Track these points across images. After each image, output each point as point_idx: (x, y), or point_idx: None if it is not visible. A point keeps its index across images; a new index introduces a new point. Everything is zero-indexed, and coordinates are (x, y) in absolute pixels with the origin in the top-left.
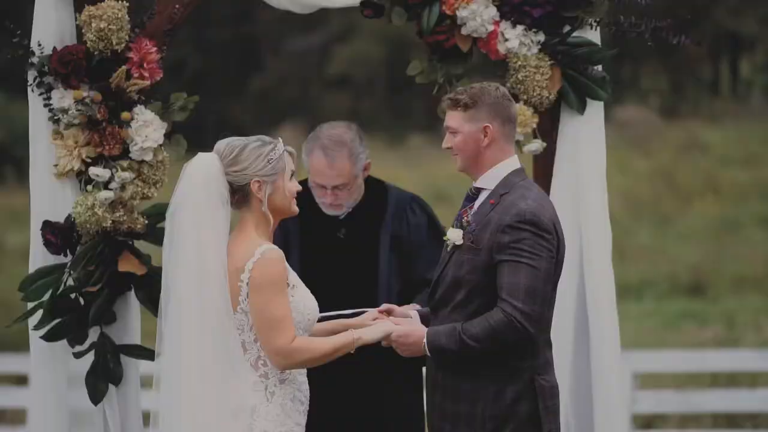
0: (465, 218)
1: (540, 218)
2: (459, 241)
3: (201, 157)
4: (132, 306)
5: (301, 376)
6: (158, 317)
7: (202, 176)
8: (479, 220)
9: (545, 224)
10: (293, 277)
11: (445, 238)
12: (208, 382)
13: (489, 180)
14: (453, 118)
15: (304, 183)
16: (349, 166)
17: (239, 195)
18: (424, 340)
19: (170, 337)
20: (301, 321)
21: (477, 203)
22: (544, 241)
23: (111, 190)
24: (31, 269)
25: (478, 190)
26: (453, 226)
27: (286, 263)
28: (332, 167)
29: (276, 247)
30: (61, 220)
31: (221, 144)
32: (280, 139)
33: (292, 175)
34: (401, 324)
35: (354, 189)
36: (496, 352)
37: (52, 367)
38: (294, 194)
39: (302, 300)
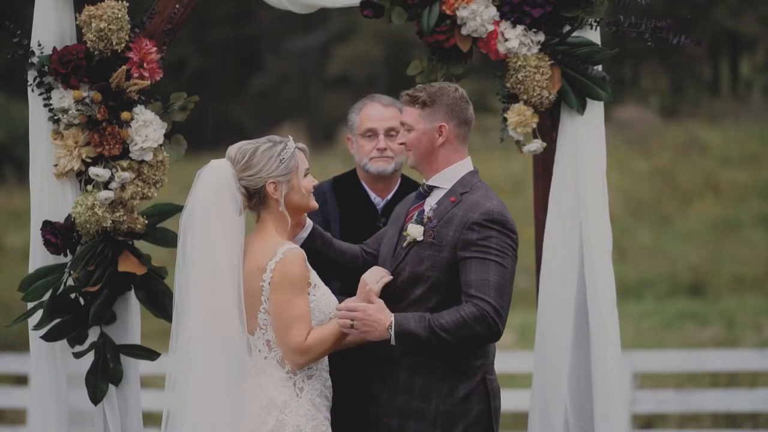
0: (426, 214)
1: (507, 218)
2: (420, 237)
3: (214, 164)
4: (132, 306)
5: (325, 372)
6: (172, 321)
7: (216, 183)
8: (440, 217)
9: (511, 225)
10: (314, 276)
11: (404, 234)
12: (219, 386)
13: (444, 179)
14: (409, 115)
15: (352, 173)
16: (399, 117)
17: (256, 198)
18: (391, 320)
19: (184, 342)
20: (324, 320)
21: (432, 201)
22: (510, 240)
23: (111, 190)
24: (31, 269)
25: (431, 188)
26: (412, 222)
27: (308, 263)
28: (386, 110)
29: (298, 246)
30: (61, 220)
31: (232, 150)
32: (290, 137)
33: (306, 173)
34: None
35: (401, 148)
36: (461, 347)
37: (52, 367)
38: (310, 190)
39: (324, 298)
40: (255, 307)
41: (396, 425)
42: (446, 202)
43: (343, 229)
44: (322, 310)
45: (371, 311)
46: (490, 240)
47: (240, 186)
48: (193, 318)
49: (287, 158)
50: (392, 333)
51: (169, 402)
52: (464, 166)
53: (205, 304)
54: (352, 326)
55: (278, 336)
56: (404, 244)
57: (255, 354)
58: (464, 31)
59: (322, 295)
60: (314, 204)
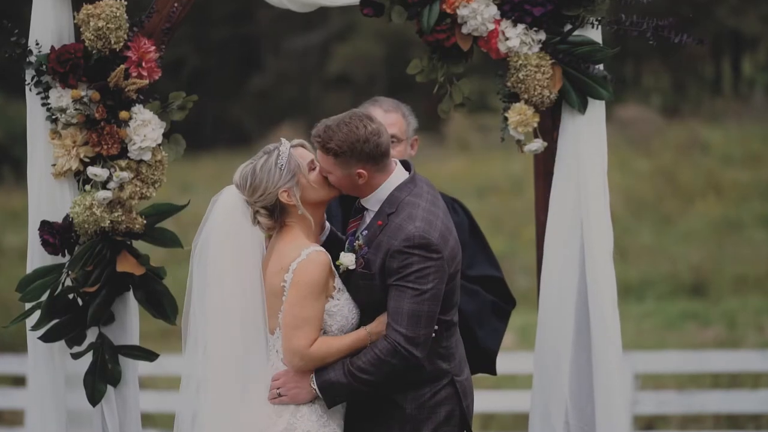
0: (357, 242)
1: (429, 240)
2: (352, 266)
3: (227, 192)
4: (130, 306)
5: None
6: (189, 325)
7: (230, 207)
8: (369, 243)
9: (434, 245)
10: (339, 281)
11: (337, 263)
12: (231, 389)
13: (373, 202)
14: (324, 161)
15: None
16: (402, 122)
17: (277, 211)
18: (312, 376)
19: (201, 345)
20: (346, 325)
21: (365, 222)
22: (432, 262)
23: (109, 189)
24: (29, 269)
25: (364, 207)
26: (345, 250)
27: (333, 268)
28: (387, 116)
29: (323, 249)
30: (59, 220)
31: (236, 176)
32: (283, 139)
33: (311, 168)
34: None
35: (404, 154)
36: (388, 383)
37: (50, 368)
38: (320, 182)
39: (348, 303)
40: (276, 307)
41: (367, 429)
42: (374, 225)
43: (345, 230)
44: (345, 315)
45: (290, 375)
46: (410, 266)
47: (257, 208)
48: (211, 325)
49: (285, 162)
50: (315, 387)
51: (180, 404)
52: (391, 182)
53: (224, 317)
54: (279, 395)
55: (283, 333)
56: (340, 272)
57: (273, 355)
58: (465, 30)
59: (346, 299)
60: (333, 191)
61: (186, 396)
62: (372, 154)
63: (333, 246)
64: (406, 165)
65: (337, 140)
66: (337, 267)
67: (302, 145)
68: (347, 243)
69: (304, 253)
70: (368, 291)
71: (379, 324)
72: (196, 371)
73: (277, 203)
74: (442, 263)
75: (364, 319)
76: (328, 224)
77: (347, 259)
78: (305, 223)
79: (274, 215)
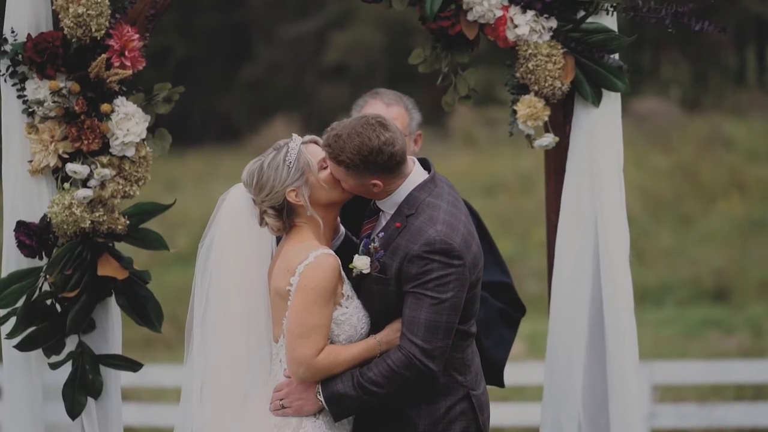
0: (372, 244)
1: (451, 245)
2: (366, 270)
3: (234, 190)
4: (112, 313)
5: None
6: (192, 333)
7: (236, 207)
8: (386, 246)
9: (456, 251)
10: (348, 287)
11: (350, 266)
12: (232, 401)
13: (389, 205)
14: (336, 170)
15: None
16: (405, 116)
17: (285, 212)
18: (318, 387)
19: (203, 353)
20: (354, 335)
21: (381, 224)
22: (453, 269)
23: (90, 188)
24: (4, 273)
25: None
26: (359, 253)
27: (342, 273)
28: (389, 109)
29: (332, 252)
30: (36, 220)
31: (244, 173)
32: (295, 135)
33: (322, 167)
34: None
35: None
36: (398, 395)
37: (26, 379)
38: (332, 181)
39: (357, 311)
40: (281, 312)
41: None
42: (392, 227)
43: (345, 227)
44: (354, 325)
45: (294, 385)
46: (430, 273)
47: (264, 208)
48: (213, 331)
49: (294, 160)
50: (322, 399)
51: (179, 416)
52: (409, 184)
53: (228, 323)
54: (282, 407)
55: (287, 341)
56: (352, 275)
57: (276, 365)
58: (470, 17)
59: (355, 307)
60: (346, 193)
61: (186, 408)
62: (386, 165)
63: (347, 251)
64: (425, 163)
65: (349, 152)
66: (350, 271)
67: (314, 142)
68: (361, 245)
69: (311, 256)
70: (382, 297)
71: (390, 332)
72: (197, 380)
73: (285, 203)
74: (464, 270)
75: (374, 329)
76: (342, 228)
77: (361, 263)
78: (314, 224)
79: (282, 216)
